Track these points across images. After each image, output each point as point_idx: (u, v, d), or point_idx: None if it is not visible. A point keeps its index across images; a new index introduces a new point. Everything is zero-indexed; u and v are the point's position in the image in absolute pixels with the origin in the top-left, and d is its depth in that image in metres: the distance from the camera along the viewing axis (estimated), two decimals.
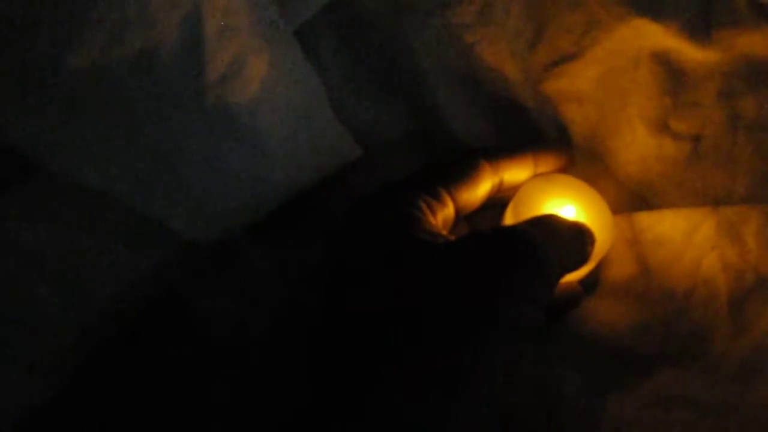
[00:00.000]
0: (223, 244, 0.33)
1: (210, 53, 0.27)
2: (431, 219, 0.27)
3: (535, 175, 0.32)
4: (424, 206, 0.27)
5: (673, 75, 0.32)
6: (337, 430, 0.22)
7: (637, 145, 0.33)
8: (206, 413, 0.31)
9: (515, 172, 0.31)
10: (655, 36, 0.32)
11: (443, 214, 0.28)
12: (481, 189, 0.30)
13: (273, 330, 0.32)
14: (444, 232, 0.27)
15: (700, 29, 0.31)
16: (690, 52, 0.31)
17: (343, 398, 0.23)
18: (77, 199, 0.30)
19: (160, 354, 0.32)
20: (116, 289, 0.31)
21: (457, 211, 0.29)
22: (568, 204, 0.31)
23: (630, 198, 0.33)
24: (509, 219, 0.31)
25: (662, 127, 0.32)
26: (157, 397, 0.31)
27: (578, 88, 0.33)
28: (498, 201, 0.32)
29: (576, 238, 0.28)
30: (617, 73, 0.33)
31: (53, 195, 0.30)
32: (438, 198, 0.28)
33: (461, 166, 0.29)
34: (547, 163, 0.32)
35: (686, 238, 0.32)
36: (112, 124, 0.27)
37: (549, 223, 0.27)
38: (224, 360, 0.32)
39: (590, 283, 0.33)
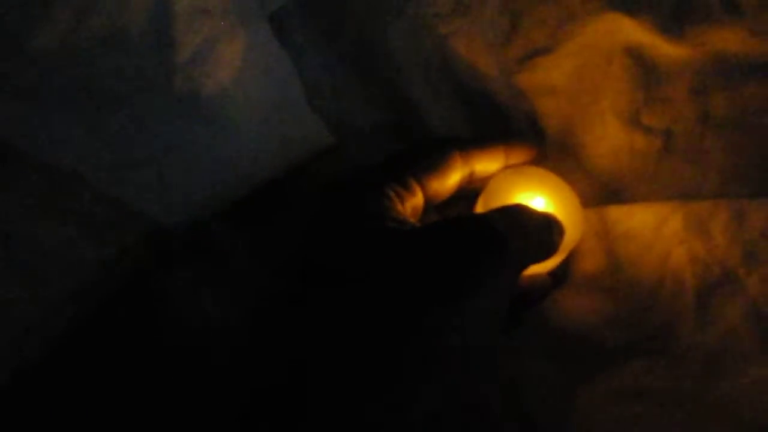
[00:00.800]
0: (194, 231, 0.33)
1: (179, 35, 0.27)
2: (399, 207, 0.27)
3: (507, 167, 0.32)
4: (392, 194, 0.27)
5: (645, 70, 0.32)
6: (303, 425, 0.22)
7: (609, 139, 0.33)
8: (169, 401, 0.30)
9: (486, 164, 0.31)
10: (629, 31, 0.32)
11: (412, 203, 0.28)
12: (451, 179, 0.30)
13: (244, 318, 0.32)
14: (413, 221, 0.27)
15: (672, 25, 0.31)
16: (663, 48, 0.32)
17: (301, 386, 0.23)
18: (43, 181, 0.29)
19: (125, 341, 0.32)
20: (82, 273, 0.31)
21: (427, 201, 0.29)
22: (538, 196, 0.31)
23: (601, 191, 0.34)
24: (480, 210, 0.31)
25: (634, 122, 0.33)
26: (121, 385, 0.31)
27: (552, 81, 0.33)
28: (469, 192, 0.32)
29: (543, 229, 0.28)
30: (591, 67, 0.33)
31: (20, 178, 0.29)
32: (407, 187, 0.28)
33: (432, 156, 0.29)
34: (518, 156, 0.32)
35: (655, 232, 0.32)
36: (80, 104, 0.27)
37: (516, 212, 0.27)
38: (190, 348, 0.31)
39: (560, 276, 0.33)
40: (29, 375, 0.30)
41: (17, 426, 0.30)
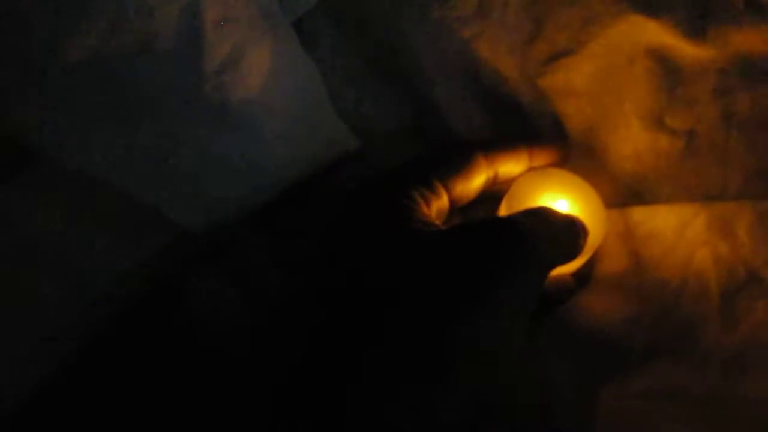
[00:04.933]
0: (220, 234, 0.33)
1: (208, 44, 0.28)
2: (425, 209, 0.27)
3: (530, 169, 0.32)
4: (417, 196, 0.27)
5: (668, 71, 0.32)
6: (324, 419, 0.23)
7: (632, 141, 0.33)
8: (200, 401, 0.31)
9: (510, 166, 0.31)
10: (651, 32, 0.32)
11: (437, 205, 0.28)
12: (475, 181, 0.30)
13: (268, 320, 0.32)
14: (437, 223, 0.27)
15: (695, 26, 0.31)
16: (685, 49, 0.32)
17: (328, 384, 0.23)
18: (74, 187, 0.30)
19: (155, 343, 0.32)
20: (112, 277, 0.32)
21: (452, 203, 0.30)
22: (561, 198, 0.31)
23: (624, 193, 0.34)
24: (503, 212, 0.32)
25: (657, 123, 0.33)
26: (153, 386, 0.31)
27: (574, 83, 0.33)
28: (493, 194, 0.32)
29: (568, 231, 0.28)
30: (613, 69, 0.33)
31: (51, 184, 0.30)
32: (432, 189, 0.28)
33: (456, 158, 0.30)
34: (542, 158, 0.32)
35: (678, 233, 0.32)
36: (111, 112, 0.28)
37: (541, 214, 0.27)
38: (219, 349, 0.32)
39: (583, 277, 0.33)
40: (64, 378, 0.31)
41: (55, 425, 0.30)
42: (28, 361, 0.30)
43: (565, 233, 0.28)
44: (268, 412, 0.26)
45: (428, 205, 0.28)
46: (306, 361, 0.25)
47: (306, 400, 0.23)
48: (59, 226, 0.30)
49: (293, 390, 0.24)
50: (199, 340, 0.32)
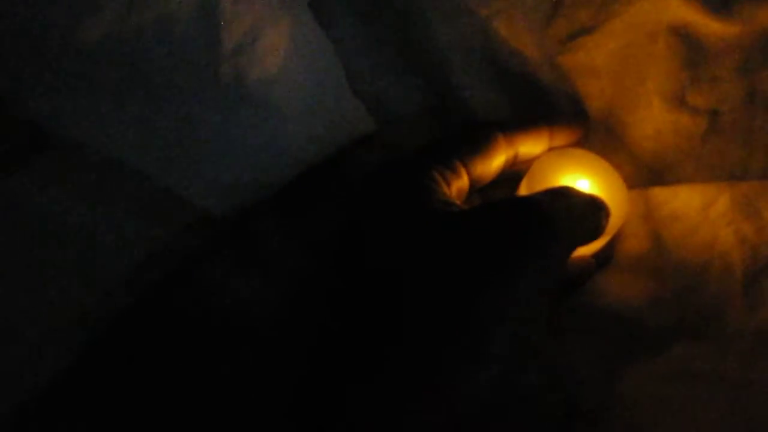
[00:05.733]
0: (237, 216, 0.33)
1: (225, 24, 0.27)
2: (445, 189, 0.27)
3: (550, 149, 0.32)
4: (438, 177, 0.27)
5: (691, 49, 0.32)
6: (348, 394, 0.23)
7: (654, 120, 0.33)
8: (217, 387, 0.31)
9: (530, 146, 0.31)
10: (674, 9, 0.31)
11: (458, 185, 0.28)
12: (495, 161, 0.30)
13: (286, 302, 0.32)
14: (458, 203, 0.27)
15: (720, 2, 0.31)
16: (709, 26, 0.31)
17: (356, 358, 0.23)
18: (94, 171, 0.30)
19: (173, 326, 0.32)
20: (130, 261, 0.32)
21: (472, 183, 0.29)
22: (582, 178, 0.31)
23: (645, 173, 0.33)
24: (524, 192, 0.31)
25: (679, 102, 0.32)
26: (170, 371, 0.31)
27: (595, 62, 0.33)
28: (513, 174, 0.32)
29: (590, 211, 0.28)
30: (635, 47, 0.32)
31: (70, 167, 0.30)
32: (453, 169, 0.28)
33: (476, 139, 0.30)
34: (562, 137, 0.32)
35: (701, 213, 0.32)
36: (129, 94, 0.27)
37: (564, 194, 0.27)
38: (237, 333, 0.32)
39: (604, 258, 0.33)
40: (85, 360, 0.31)
41: (77, 410, 0.30)
42: (44, 350, 0.30)
43: (586, 213, 0.28)
44: (288, 400, 0.26)
45: (449, 185, 0.28)
46: (329, 347, 0.25)
47: (333, 384, 0.23)
48: (77, 211, 0.30)
49: (317, 374, 0.24)
50: (216, 325, 0.32)
